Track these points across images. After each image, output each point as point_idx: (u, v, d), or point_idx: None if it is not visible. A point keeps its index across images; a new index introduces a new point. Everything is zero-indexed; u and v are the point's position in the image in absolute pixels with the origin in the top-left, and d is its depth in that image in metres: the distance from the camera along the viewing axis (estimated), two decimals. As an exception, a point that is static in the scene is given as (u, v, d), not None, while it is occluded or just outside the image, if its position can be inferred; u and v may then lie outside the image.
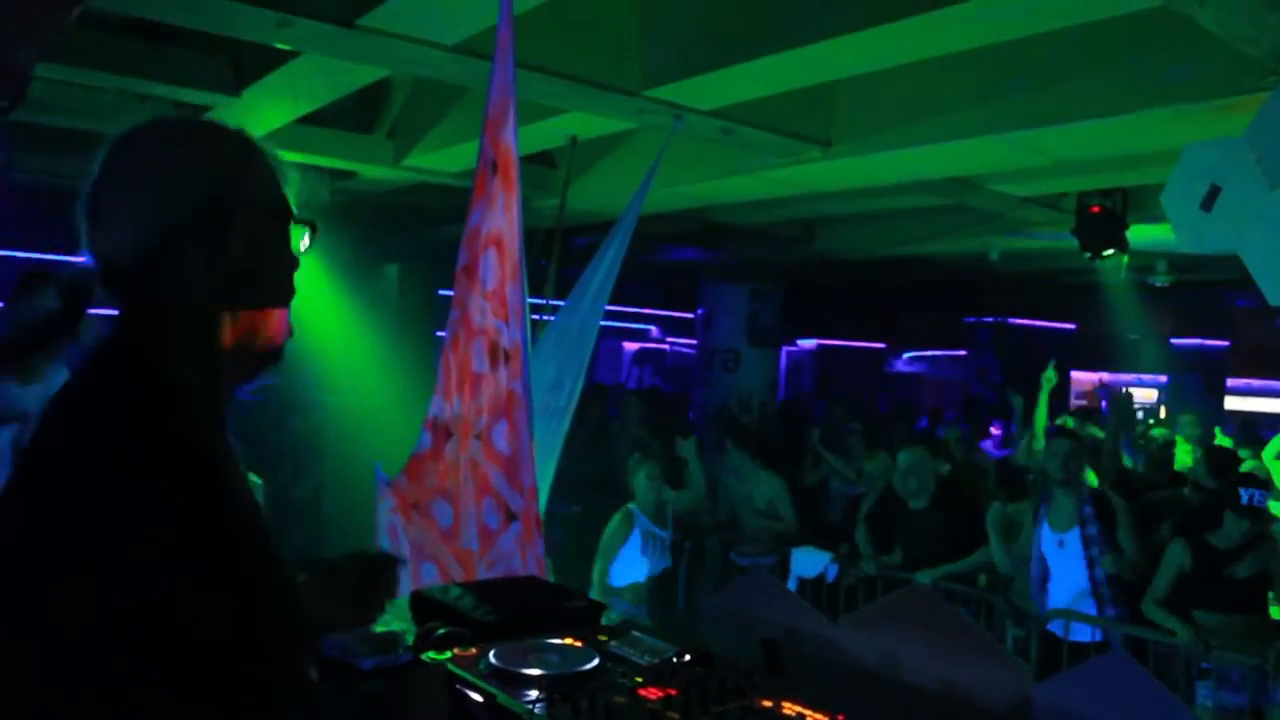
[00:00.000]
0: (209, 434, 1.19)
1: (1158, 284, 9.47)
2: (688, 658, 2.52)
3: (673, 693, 2.35)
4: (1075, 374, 17.03)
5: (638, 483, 5.84)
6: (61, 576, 1.03)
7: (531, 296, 3.98)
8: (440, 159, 6.96)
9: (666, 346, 20.03)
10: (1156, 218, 7.29)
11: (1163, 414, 17.38)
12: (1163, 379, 17.57)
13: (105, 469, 1.08)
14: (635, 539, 5.74)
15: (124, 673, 1.01)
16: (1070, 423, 7.78)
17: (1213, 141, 4.56)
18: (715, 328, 14.21)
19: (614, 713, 2.27)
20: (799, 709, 2.23)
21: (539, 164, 7.51)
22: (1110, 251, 7.26)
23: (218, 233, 1.24)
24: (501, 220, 3.69)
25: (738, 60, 4.78)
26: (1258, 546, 4.84)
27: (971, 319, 16.53)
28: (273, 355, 1.33)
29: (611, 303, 4.92)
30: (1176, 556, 4.98)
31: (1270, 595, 4.95)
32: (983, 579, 5.95)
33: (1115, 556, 5.16)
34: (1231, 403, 15.94)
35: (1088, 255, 7.36)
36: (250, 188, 1.29)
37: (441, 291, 9.56)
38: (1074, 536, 5.29)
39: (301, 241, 1.34)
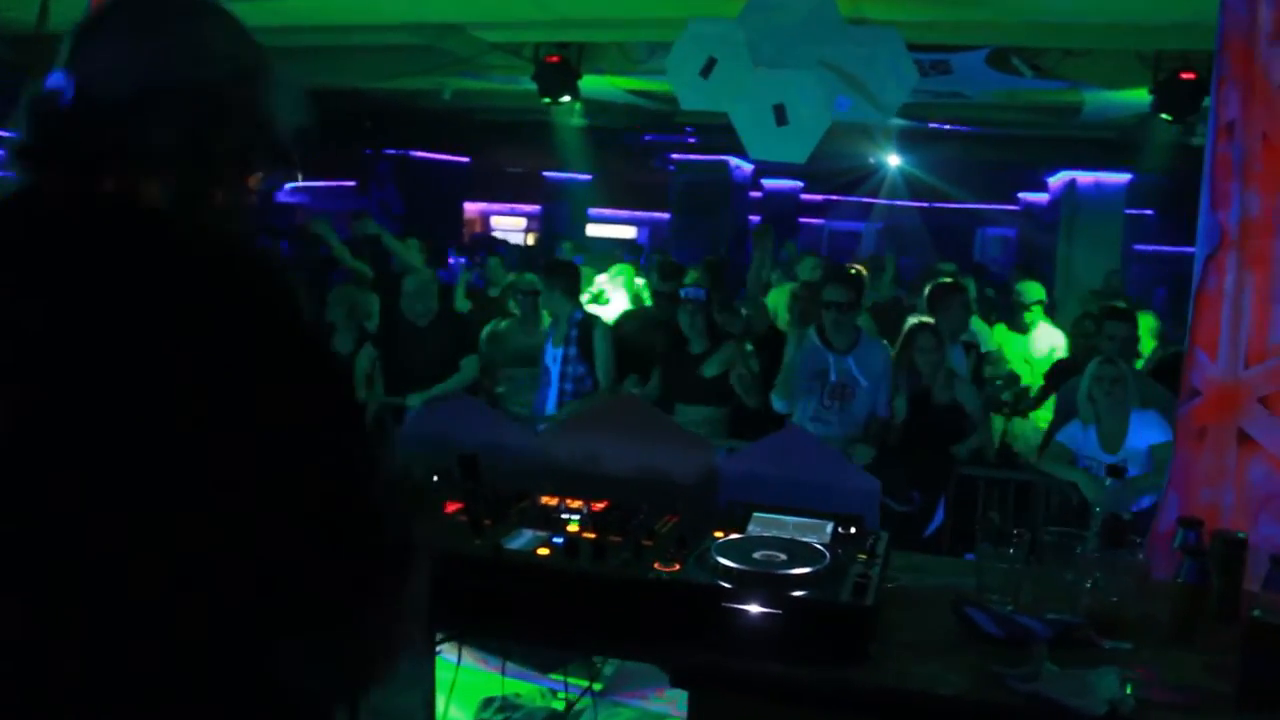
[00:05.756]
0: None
1: (576, 125, 10.66)
2: (435, 477, 2.92)
3: (462, 505, 2.74)
4: (466, 205, 18.33)
5: None
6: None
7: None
8: None
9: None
10: (602, 70, 8.36)
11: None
12: (536, 208, 19.59)
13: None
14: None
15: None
16: None
17: (712, 19, 5.54)
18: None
19: (442, 526, 2.64)
20: (577, 502, 2.74)
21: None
22: (566, 98, 8.14)
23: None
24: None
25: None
26: (720, 350, 6.11)
27: (370, 150, 16.83)
28: None
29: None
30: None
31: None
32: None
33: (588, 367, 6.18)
34: (591, 229, 18.31)
35: (546, 100, 8.18)
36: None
37: None
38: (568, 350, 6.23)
39: None
